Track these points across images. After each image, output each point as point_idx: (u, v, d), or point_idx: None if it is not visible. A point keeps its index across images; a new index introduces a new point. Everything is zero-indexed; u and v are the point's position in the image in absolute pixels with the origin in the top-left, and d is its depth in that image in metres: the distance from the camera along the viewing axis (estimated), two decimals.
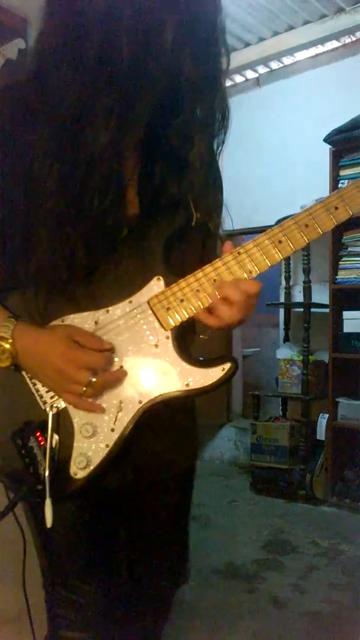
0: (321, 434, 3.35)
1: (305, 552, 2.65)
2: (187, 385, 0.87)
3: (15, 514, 0.96)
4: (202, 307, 0.87)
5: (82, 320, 0.88)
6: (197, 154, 0.85)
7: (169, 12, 0.75)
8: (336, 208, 0.86)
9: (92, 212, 0.81)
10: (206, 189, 0.90)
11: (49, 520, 0.86)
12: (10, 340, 0.83)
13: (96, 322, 0.87)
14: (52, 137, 0.79)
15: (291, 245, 0.87)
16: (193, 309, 0.87)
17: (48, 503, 0.86)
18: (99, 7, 0.74)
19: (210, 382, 0.87)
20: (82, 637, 0.98)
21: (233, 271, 0.88)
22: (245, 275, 0.87)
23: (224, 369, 0.87)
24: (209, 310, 0.87)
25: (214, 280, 0.86)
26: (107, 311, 0.88)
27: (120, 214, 0.85)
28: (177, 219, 0.89)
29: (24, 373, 0.89)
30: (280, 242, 0.87)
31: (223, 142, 0.89)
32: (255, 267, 0.88)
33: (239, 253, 0.87)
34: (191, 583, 2.30)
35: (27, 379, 0.89)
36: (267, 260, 0.87)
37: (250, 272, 0.88)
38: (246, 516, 3.19)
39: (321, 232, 0.87)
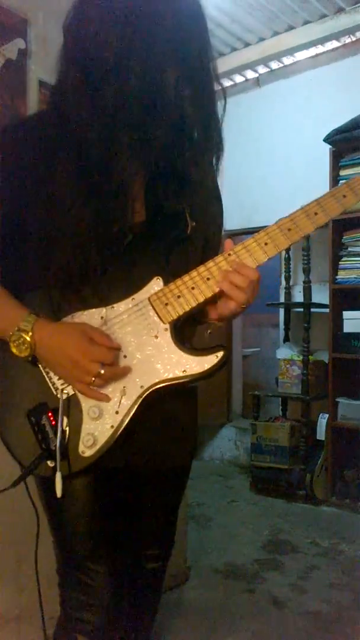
0: (321, 434, 3.35)
1: (305, 552, 2.66)
2: (184, 371, 0.97)
3: (30, 495, 1.06)
4: (197, 302, 0.97)
5: (90, 315, 0.98)
6: (195, 172, 0.99)
7: (170, 64, 0.89)
8: (316, 214, 0.97)
9: (104, 222, 0.94)
10: (202, 202, 1.04)
11: (59, 491, 0.95)
12: (30, 333, 0.94)
13: (102, 317, 0.98)
14: (74, 165, 0.93)
15: (276, 246, 0.98)
16: (188, 304, 0.97)
17: (58, 476, 0.95)
18: (111, 59, 0.88)
19: (205, 368, 0.97)
20: (93, 619, 1.03)
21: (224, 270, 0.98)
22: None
23: (217, 356, 0.97)
24: (220, 296, 0.99)
25: (207, 279, 0.97)
26: (112, 307, 0.98)
27: (126, 223, 0.98)
28: (176, 228, 1.01)
29: (38, 364, 0.99)
30: (266, 244, 0.98)
31: (218, 160, 1.03)
32: None
33: (229, 254, 0.98)
34: (191, 583, 2.31)
35: (42, 369, 1.00)
36: (255, 261, 0.98)
37: None
38: (246, 516, 3.19)
39: (303, 235, 0.98)
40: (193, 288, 0.97)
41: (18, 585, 1.70)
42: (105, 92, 0.89)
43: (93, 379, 0.92)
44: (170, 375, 0.97)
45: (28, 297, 0.99)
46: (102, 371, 0.92)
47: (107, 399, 0.96)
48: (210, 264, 0.98)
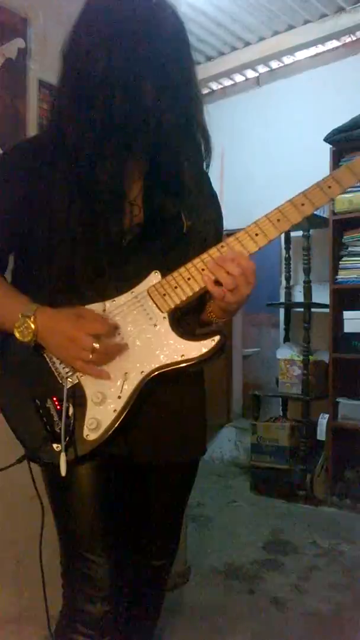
0: (321, 434, 3.34)
1: (306, 552, 2.65)
2: (183, 356, 1.02)
3: (34, 482, 1.10)
4: (193, 291, 1.02)
5: (92, 308, 1.04)
6: (188, 176, 1.06)
7: (148, 78, 0.98)
8: (302, 204, 1.01)
9: (100, 224, 1.01)
10: (198, 203, 1.09)
11: (63, 470, 1.00)
12: (32, 318, 1.00)
13: (104, 310, 1.04)
14: (72, 175, 1.02)
15: (266, 236, 1.02)
16: (185, 293, 1.03)
17: (63, 455, 1.00)
18: (98, 77, 0.98)
19: (202, 352, 1.01)
20: (94, 610, 1.04)
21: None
22: None
23: (214, 340, 1.02)
24: (216, 282, 1.01)
25: (202, 269, 1.01)
26: (113, 301, 1.04)
27: (125, 225, 1.05)
28: (172, 228, 1.08)
29: (44, 355, 1.06)
30: (257, 234, 1.02)
31: (209, 164, 1.11)
32: None
33: (222, 246, 1.02)
34: (191, 583, 2.31)
35: (47, 359, 1.06)
36: (246, 251, 1.02)
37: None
38: (246, 516, 3.19)
39: (291, 224, 1.02)
40: (189, 279, 1.02)
41: (18, 586, 1.69)
42: (94, 107, 0.99)
43: (90, 355, 0.97)
44: (170, 361, 1.02)
45: (33, 296, 1.05)
46: (97, 345, 0.97)
47: (106, 375, 1.01)
48: (204, 255, 1.02)
